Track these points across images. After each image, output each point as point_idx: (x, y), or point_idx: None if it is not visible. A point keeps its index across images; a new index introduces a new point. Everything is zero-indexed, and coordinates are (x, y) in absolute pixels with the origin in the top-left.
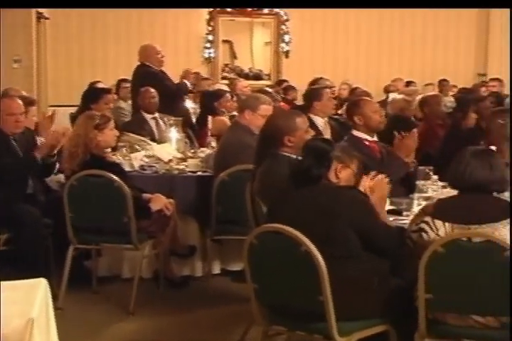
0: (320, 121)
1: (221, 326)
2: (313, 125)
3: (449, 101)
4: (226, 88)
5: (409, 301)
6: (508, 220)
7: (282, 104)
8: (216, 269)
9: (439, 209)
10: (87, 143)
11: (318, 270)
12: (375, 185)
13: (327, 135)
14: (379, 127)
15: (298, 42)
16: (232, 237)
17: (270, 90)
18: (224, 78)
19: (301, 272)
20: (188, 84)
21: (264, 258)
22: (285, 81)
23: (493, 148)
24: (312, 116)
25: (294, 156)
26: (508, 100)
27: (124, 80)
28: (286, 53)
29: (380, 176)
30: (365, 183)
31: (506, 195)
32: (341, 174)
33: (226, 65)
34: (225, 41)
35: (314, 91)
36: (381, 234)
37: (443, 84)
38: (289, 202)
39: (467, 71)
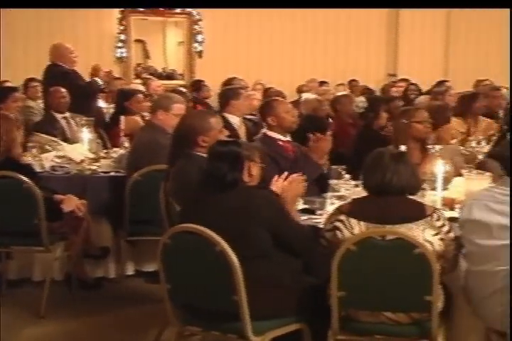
0: (236, 121)
1: (135, 327)
2: (228, 124)
3: (360, 101)
4: (142, 88)
5: (323, 299)
6: (422, 221)
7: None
8: (130, 270)
9: (355, 209)
10: (8, 144)
11: (232, 269)
12: (289, 183)
13: (242, 134)
14: (292, 127)
15: (211, 42)
16: (145, 238)
17: (184, 90)
18: (137, 78)
19: (215, 272)
20: (100, 81)
21: (178, 258)
22: (201, 81)
23: (403, 147)
24: (228, 115)
25: None
26: (418, 99)
27: (32, 79)
28: (200, 53)
29: (295, 175)
30: (278, 183)
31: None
32: (253, 172)
33: (139, 65)
34: (137, 41)
35: (232, 90)
36: (293, 233)
37: (353, 84)
38: (203, 204)
39: (378, 71)
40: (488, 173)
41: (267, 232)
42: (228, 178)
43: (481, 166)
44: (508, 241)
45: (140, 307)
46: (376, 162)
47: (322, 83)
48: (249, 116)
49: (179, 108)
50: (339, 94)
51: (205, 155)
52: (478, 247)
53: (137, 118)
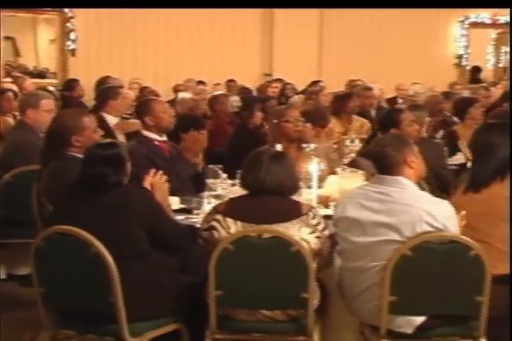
0: (113, 120)
1: (8, 332)
2: (105, 124)
3: (234, 100)
4: (15, 87)
5: (201, 298)
6: (298, 220)
7: None
8: (2, 274)
9: (231, 208)
10: None
11: (108, 271)
12: (154, 183)
13: (119, 134)
14: (169, 127)
15: (84, 40)
16: (18, 240)
17: (52, 88)
18: (7, 76)
19: (90, 274)
20: None
21: (53, 261)
22: (74, 80)
23: (279, 147)
24: (105, 115)
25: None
26: (292, 99)
27: None
28: (73, 51)
29: (158, 175)
30: (148, 181)
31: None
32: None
33: (9, 63)
34: (7, 38)
35: (110, 89)
36: (170, 231)
37: (230, 84)
38: (79, 206)
39: (254, 71)
40: (361, 172)
41: (143, 231)
42: (111, 182)
43: (354, 165)
44: (381, 238)
45: (13, 311)
46: (253, 161)
47: (199, 83)
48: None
49: (48, 104)
50: (216, 93)
51: (78, 155)
52: (352, 244)
53: (8, 118)
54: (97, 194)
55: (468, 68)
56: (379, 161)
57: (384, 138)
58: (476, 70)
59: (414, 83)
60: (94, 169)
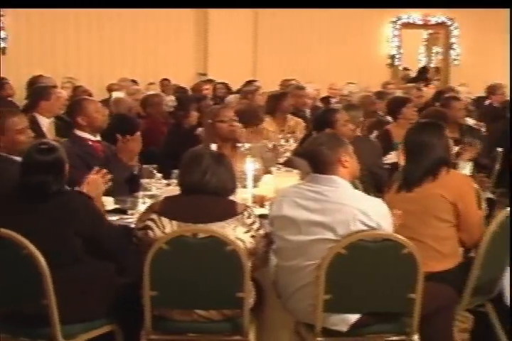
0: (45, 122)
1: None
2: (36, 125)
3: (170, 100)
4: None
5: (137, 299)
6: (234, 219)
7: None
8: None
9: (167, 208)
10: None
11: (40, 273)
12: (90, 182)
13: (50, 136)
14: (102, 127)
15: (15, 38)
16: None
17: None
18: None
19: (23, 276)
20: None
21: None
22: (3, 78)
23: (214, 146)
24: (37, 115)
25: (13, 157)
26: (228, 98)
27: None
28: (3, 50)
29: (93, 176)
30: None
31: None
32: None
33: None
34: None
35: (42, 89)
36: (108, 235)
37: (164, 83)
38: (17, 215)
39: (188, 70)
40: (296, 171)
41: (81, 238)
42: (52, 190)
43: (289, 164)
44: (315, 237)
45: None
46: (195, 162)
47: (133, 82)
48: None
49: None
50: (150, 93)
51: (8, 155)
52: (287, 243)
53: None
54: (37, 203)
55: (400, 68)
56: (313, 160)
57: (319, 137)
58: (424, 70)
59: (349, 83)
60: (34, 177)
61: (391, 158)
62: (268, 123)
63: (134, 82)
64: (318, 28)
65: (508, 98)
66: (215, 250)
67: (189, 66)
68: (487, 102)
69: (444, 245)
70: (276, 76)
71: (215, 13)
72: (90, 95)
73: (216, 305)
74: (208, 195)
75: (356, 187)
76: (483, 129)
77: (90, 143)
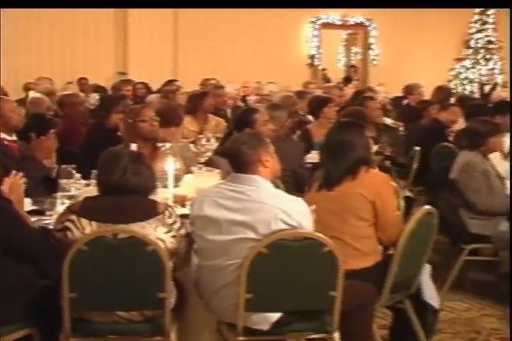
0: None
1: None
2: None
3: (93, 98)
4: None
5: (56, 302)
6: (155, 219)
7: None
8: None
9: (86, 208)
10: None
11: None
12: (11, 184)
13: None
14: (18, 126)
15: None
16: None
17: None
18: None
19: None
20: None
21: None
22: None
23: (134, 146)
24: None
25: None
26: (149, 98)
27: None
28: None
29: (12, 179)
30: (7, 184)
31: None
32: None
33: None
34: None
35: None
36: (27, 239)
37: (82, 82)
38: None
39: (107, 69)
40: (217, 170)
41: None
42: None
43: (210, 163)
44: (237, 236)
45: None
46: (114, 162)
47: (50, 81)
48: None
49: None
50: (67, 92)
51: None
52: (209, 243)
53: None
54: None
55: (320, 68)
56: (234, 159)
57: (240, 136)
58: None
59: (269, 82)
60: None
61: (312, 157)
62: (189, 123)
63: (51, 80)
64: (239, 27)
65: (425, 98)
66: (136, 250)
67: (109, 65)
68: (405, 102)
69: (364, 243)
70: (197, 76)
71: (134, 13)
72: (6, 94)
73: (137, 306)
74: (128, 194)
75: (278, 187)
76: (401, 128)
77: (6, 142)
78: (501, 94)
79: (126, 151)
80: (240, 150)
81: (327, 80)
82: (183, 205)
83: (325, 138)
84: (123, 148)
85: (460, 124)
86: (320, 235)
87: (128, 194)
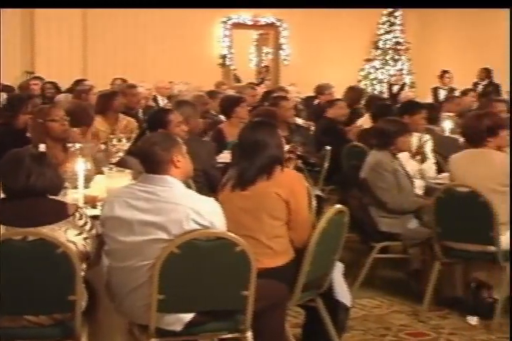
0: None
1: None
2: None
3: (0, 97)
4: None
5: None
6: (65, 221)
7: None
8: None
9: None
10: None
11: None
12: None
13: None
14: None
15: None
16: None
17: None
18: None
19: None
20: None
21: None
22: None
23: (42, 146)
24: None
25: None
26: (58, 97)
27: None
28: None
29: None
30: None
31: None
32: None
33: None
34: None
35: None
36: None
37: None
38: None
39: (14, 68)
40: (128, 170)
41: None
42: None
43: (121, 164)
44: (149, 237)
45: None
46: (17, 164)
47: None
48: None
49: None
50: None
51: None
52: (120, 244)
53: None
54: None
55: (231, 68)
56: (146, 160)
57: (152, 136)
58: None
59: (179, 82)
60: None
61: (224, 157)
62: (99, 123)
63: None
64: (149, 27)
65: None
66: (45, 253)
67: (15, 64)
68: (316, 102)
69: (277, 242)
70: (107, 75)
71: (41, 12)
72: None
73: (47, 310)
74: (35, 197)
75: (189, 187)
76: (312, 128)
77: None
78: (409, 94)
79: (27, 152)
80: (152, 151)
81: (238, 80)
82: (94, 206)
83: (238, 137)
84: (24, 149)
85: (364, 123)
86: (232, 235)
87: (35, 197)
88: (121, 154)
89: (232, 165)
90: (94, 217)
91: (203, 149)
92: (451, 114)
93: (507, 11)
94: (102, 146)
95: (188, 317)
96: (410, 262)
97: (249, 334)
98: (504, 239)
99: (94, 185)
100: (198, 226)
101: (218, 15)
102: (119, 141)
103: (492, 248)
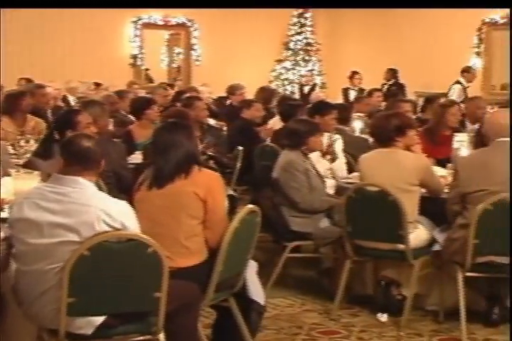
0: None
1: None
2: None
3: None
4: None
5: None
6: None
7: None
8: None
9: None
10: None
11: None
12: None
13: None
14: None
15: None
16: None
17: None
18: None
19: None
20: None
21: None
22: None
23: None
24: None
25: None
26: None
27: None
28: None
29: None
30: None
31: None
32: None
33: None
34: None
35: None
36: None
37: None
38: None
39: None
40: (36, 172)
41: None
42: None
43: (29, 165)
44: (59, 239)
45: None
46: None
47: None
48: None
49: None
50: None
51: None
52: (29, 246)
53: None
54: None
55: (142, 68)
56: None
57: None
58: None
59: (83, 82)
60: None
61: (135, 158)
62: (6, 124)
63: None
64: (59, 27)
65: (248, 98)
66: None
67: None
68: (228, 102)
69: (193, 242)
70: (14, 75)
71: None
72: None
73: None
74: None
75: (101, 189)
76: (225, 128)
77: None
78: (320, 94)
79: None
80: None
81: (150, 80)
82: (1, 209)
83: (152, 138)
84: None
85: (275, 123)
86: (144, 236)
87: None
88: (28, 155)
89: (146, 165)
90: (2, 220)
91: (113, 150)
92: (361, 114)
93: (417, 10)
94: (10, 148)
95: (99, 320)
96: (322, 261)
97: (161, 336)
98: (413, 237)
99: (1, 187)
100: (108, 228)
101: (128, 15)
102: (27, 142)
103: (401, 246)
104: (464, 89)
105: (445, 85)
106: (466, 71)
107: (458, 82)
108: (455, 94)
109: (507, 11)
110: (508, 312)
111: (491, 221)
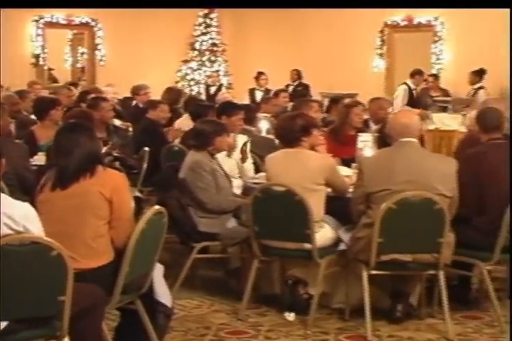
0: None
1: None
2: None
3: None
4: None
5: None
6: None
7: None
8: None
9: None
10: None
11: None
12: None
13: None
14: None
15: None
16: None
17: None
18: None
19: None
20: None
21: None
22: None
23: None
24: None
25: None
26: None
27: None
28: None
29: None
30: None
31: None
32: None
33: None
34: None
35: None
36: None
37: None
38: None
39: None
40: None
41: None
42: None
43: None
44: None
45: None
46: None
47: None
48: None
49: None
50: None
51: None
52: None
53: None
54: None
55: (45, 68)
56: None
57: None
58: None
59: None
60: None
61: (38, 159)
62: None
63: None
64: None
65: (153, 98)
66: None
67: None
68: (133, 103)
69: (99, 242)
70: None
71: None
72: None
73: None
74: None
75: (2, 190)
76: (130, 129)
77: None
78: (226, 95)
79: None
80: None
81: (54, 80)
82: None
83: (54, 139)
84: None
85: (182, 123)
86: (47, 239)
87: None
88: None
89: (49, 166)
90: None
91: (14, 151)
92: (267, 115)
93: (322, 11)
94: None
95: (1, 325)
96: (229, 261)
97: (66, 340)
98: (319, 237)
99: None
100: (10, 232)
101: (30, 14)
102: None
103: (307, 245)
104: (410, 91)
105: (349, 86)
106: (418, 74)
107: (405, 84)
108: (399, 96)
109: (408, 12)
110: (412, 309)
111: (395, 220)
